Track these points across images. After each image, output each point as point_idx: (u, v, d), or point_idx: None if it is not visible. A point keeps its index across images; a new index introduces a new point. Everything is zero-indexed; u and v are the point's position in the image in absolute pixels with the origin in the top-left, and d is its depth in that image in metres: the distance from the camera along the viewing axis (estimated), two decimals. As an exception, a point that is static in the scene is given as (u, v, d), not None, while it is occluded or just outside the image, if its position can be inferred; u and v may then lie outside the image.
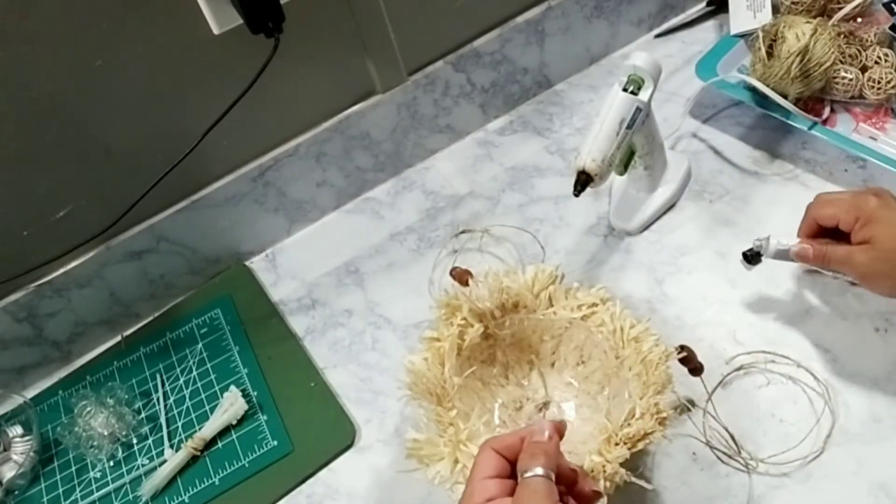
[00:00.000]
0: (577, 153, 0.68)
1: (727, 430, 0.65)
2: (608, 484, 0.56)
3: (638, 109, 0.69)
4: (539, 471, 0.48)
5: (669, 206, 0.82)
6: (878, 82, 0.79)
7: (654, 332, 0.64)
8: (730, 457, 0.64)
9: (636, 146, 0.75)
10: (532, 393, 0.70)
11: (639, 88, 0.70)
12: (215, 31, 0.69)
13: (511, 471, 0.50)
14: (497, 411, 0.70)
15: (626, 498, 0.61)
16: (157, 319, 0.87)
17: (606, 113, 0.68)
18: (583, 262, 0.80)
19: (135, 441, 0.77)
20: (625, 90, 0.70)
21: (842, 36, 0.81)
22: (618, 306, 0.66)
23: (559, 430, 0.51)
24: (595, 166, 0.67)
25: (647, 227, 0.81)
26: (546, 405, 0.70)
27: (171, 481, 0.73)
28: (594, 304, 0.67)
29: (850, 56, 0.81)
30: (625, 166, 0.75)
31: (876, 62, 0.81)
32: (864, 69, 0.81)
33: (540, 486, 0.47)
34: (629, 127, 0.68)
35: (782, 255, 0.67)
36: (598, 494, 0.52)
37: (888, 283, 0.63)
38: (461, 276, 0.79)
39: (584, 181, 0.67)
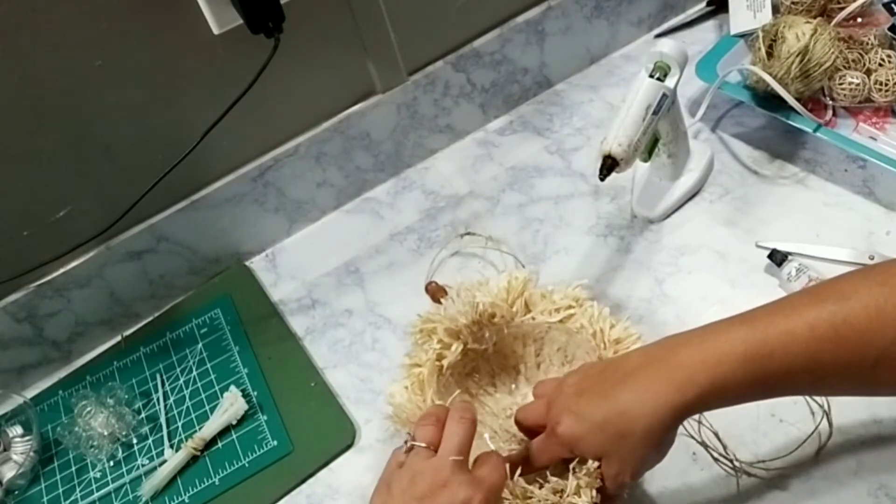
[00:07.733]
0: (602, 138, 0.68)
1: (727, 430, 0.65)
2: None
3: (664, 96, 0.69)
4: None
5: (692, 195, 0.82)
6: (886, 84, 0.79)
7: (634, 331, 0.63)
8: (730, 458, 0.64)
9: (661, 133, 0.75)
10: (521, 398, 0.69)
11: (665, 75, 0.71)
12: (215, 31, 0.69)
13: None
14: (487, 423, 0.68)
15: (625, 498, 0.61)
16: (157, 319, 0.87)
17: (633, 98, 0.69)
18: (583, 262, 0.80)
19: (135, 441, 0.77)
20: (651, 76, 0.70)
21: (842, 41, 0.81)
22: (595, 307, 0.65)
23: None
24: (621, 151, 0.67)
25: (668, 215, 0.82)
26: None
27: (171, 481, 0.73)
28: (570, 307, 0.66)
29: (853, 61, 0.81)
30: (649, 153, 0.76)
31: (880, 64, 0.81)
32: (868, 72, 0.81)
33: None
34: (655, 113, 0.68)
35: None
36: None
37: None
38: (435, 293, 0.77)
39: (609, 166, 0.67)
